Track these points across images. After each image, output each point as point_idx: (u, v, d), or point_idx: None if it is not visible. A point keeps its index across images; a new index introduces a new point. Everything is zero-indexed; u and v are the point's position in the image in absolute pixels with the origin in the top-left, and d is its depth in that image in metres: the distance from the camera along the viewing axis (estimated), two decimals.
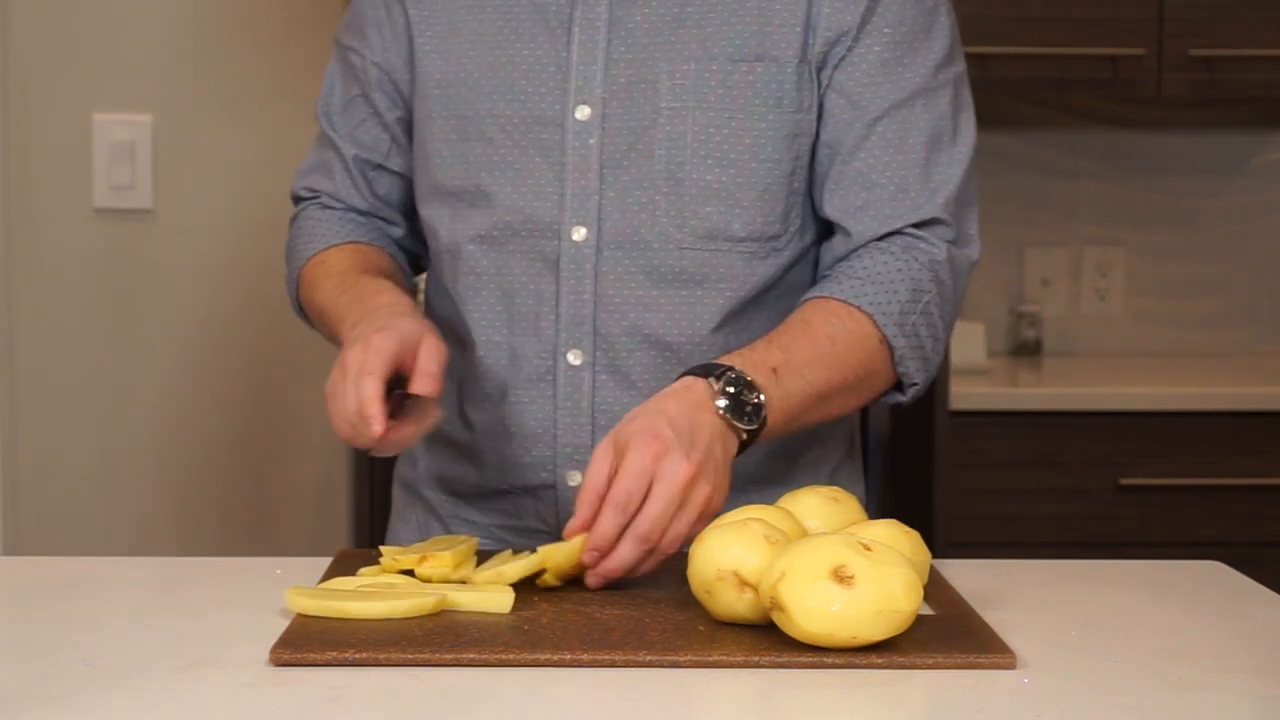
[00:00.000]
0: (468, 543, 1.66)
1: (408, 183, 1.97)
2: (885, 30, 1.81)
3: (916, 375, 1.81)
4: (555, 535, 1.84)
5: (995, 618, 1.52)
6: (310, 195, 2.01)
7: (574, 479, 1.83)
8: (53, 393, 3.07)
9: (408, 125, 1.94)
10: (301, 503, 3.12)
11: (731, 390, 1.65)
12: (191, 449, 3.09)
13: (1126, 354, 3.84)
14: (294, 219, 2.02)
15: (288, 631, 1.44)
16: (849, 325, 1.76)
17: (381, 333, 1.67)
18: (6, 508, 3.03)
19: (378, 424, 1.61)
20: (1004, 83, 3.51)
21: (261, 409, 3.08)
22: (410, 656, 1.39)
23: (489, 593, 1.52)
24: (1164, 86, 3.48)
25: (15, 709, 1.28)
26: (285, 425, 3.09)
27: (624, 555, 1.57)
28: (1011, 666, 1.40)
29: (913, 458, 3.33)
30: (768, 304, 1.85)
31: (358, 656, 1.38)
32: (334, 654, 1.38)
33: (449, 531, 1.92)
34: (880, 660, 1.39)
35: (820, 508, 1.61)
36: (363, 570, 1.63)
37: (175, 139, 3.06)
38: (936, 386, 3.20)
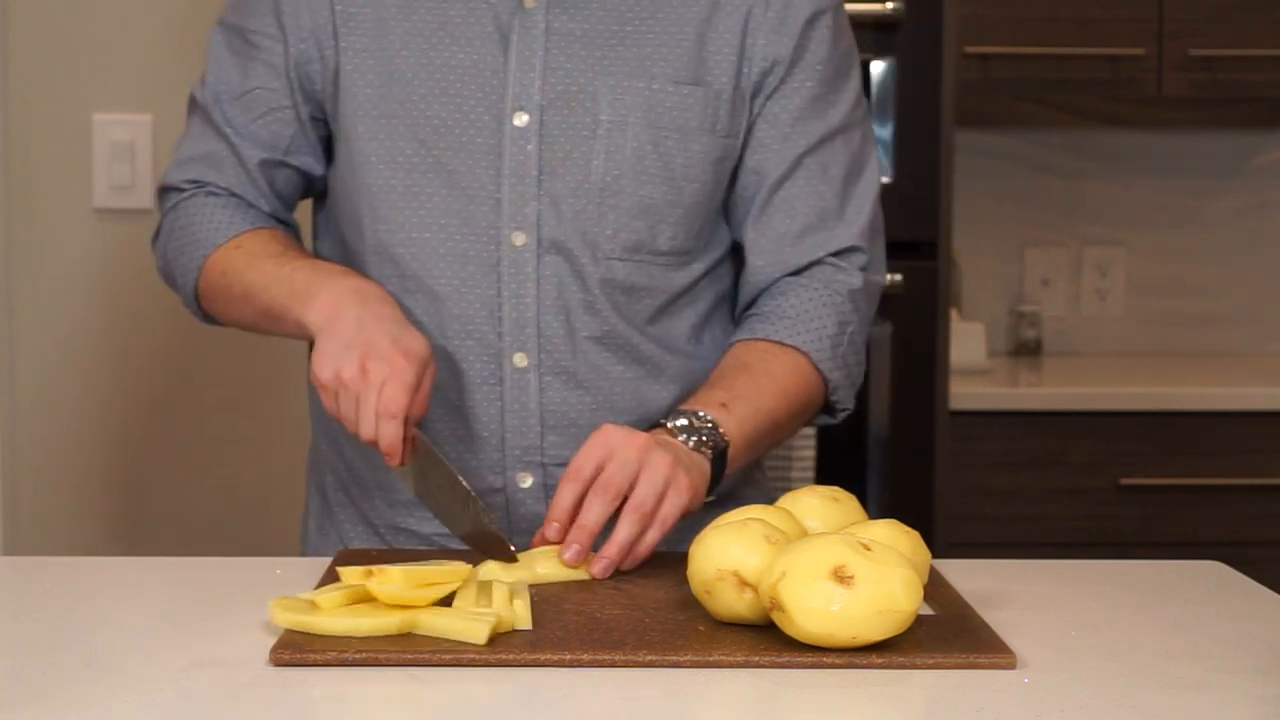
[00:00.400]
0: (446, 568, 1.53)
1: (306, 179, 1.93)
2: (817, 68, 1.87)
3: (848, 401, 1.91)
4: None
5: (995, 618, 1.52)
6: (192, 187, 1.92)
7: (525, 481, 1.84)
8: (53, 392, 3.07)
9: (315, 120, 1.89)
10: (302, 503, 3.12)
11: (682, 423, 1.74)
12: (191, 449, 3.09)
13: (1126, 354, 3.84)
14: (173, 207, 1.92)
15: (288, 632, 1.44)
16: (783, 359, 1.84)
17: (407, 359, 1.68)
18: (6, 508, 3.03)
19: (396, 461, 1.68)
20: (1004, 83, 3.51)
21: (262, 409, 3.08)
22: (410, 656, 1.39)
23: (467, 621, 1.43)
24: (1164, 86, 3.48)
25: (15, 709, 1.28)
26: (286, 425, 3.08)
27: (592, 514, 1.64)
28: (1011, 667, 1.40)
29: (913, 458, 3.32)
30: (684, 306, 1.90)
31: (358, 656, 1.38)
32: (334, 654, 1.38)
33: (385, 542, 1.90)
34: (880, 660, 1.39)
35: (820, 508, 1.61)
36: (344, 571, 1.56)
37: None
38: (936, 386, 3.20)
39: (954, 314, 3.47)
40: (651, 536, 1.66)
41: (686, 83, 1.83)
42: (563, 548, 1.63)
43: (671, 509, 1.66)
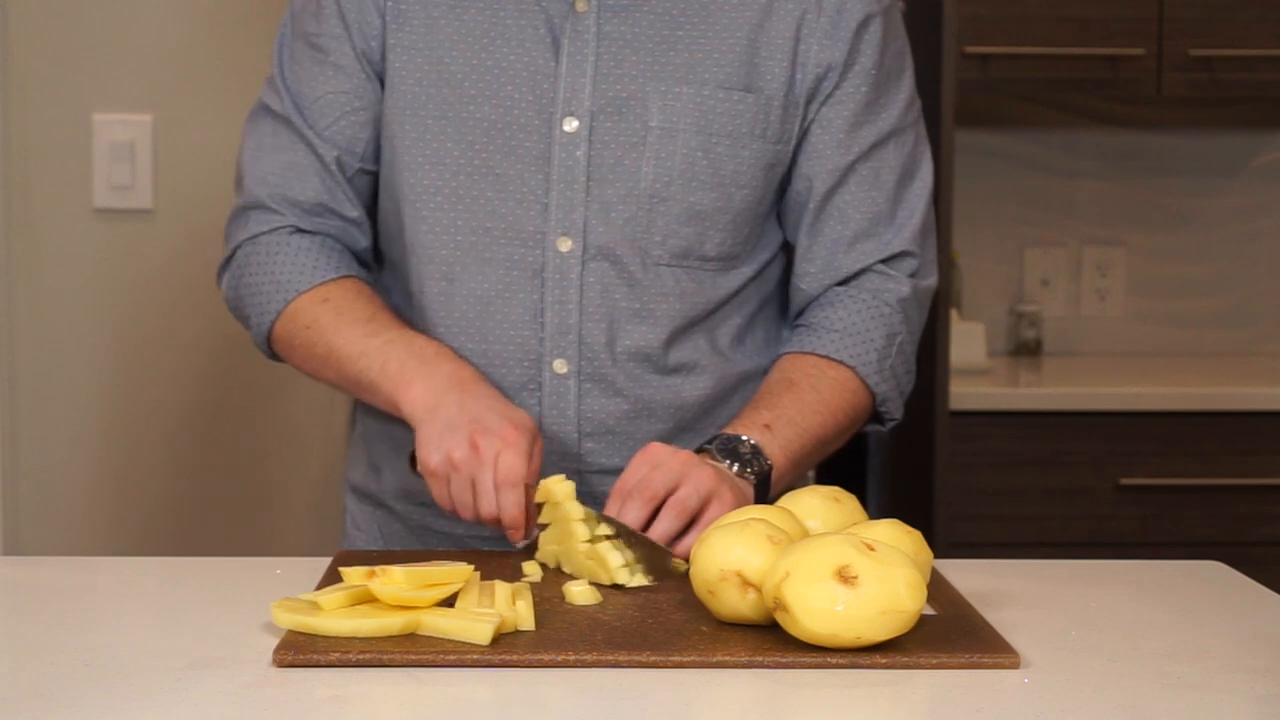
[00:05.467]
0: (449, 568, 1.54)
1: (378, 182, 1.90)
2: (871, 71, 1.85)
3: (897, 412, 1.91)
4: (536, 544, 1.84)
5: (996, 618, 1.52)
6: (277, 209, 1.87)
7: None
8: (53, 393, 3.07)
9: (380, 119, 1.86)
10: (301, 503, 3.12)
11: (724, 447, 1.74)
12: (192, 449, 3.09)
13: (1126, 354, 3.84)
14: (252, 239, 1.88)
15: (290, 632, 1.43)
16: (829, 374, 1.84)
17: (518, 430, 1.67)
18: (6, 508, 3.03)
19: (520, 534, 1.67)
20: (1004, 83, 3.50)
21: (262, 409, 3.08)
22: (413, 657, 1.39)
23: (470, 621, 1.44)
24: (1164, 86, 3.48)
25: (15, 709, 1.28)
26: (286, 425, 3.08)
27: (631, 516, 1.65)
28: (1015, 666, 1.40)
29: (913, 458, 3.32)
30: (730, 311, 1.89)
31: (361, 657, 1.38)
32: (337, 655, 1.38)
33: (421, 543, 1.89)
34: (884, 660, 1.39)
35: (820, 508, 1.61)
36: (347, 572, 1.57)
37: (175, 139, 3.06)
38: (936, 386, 3.20)
39: (954, 314, 3.47)
40: (690, 539, 1.65)
41: (737, 88, 1.82)
42: None
43: (713, 517, 1.64)
